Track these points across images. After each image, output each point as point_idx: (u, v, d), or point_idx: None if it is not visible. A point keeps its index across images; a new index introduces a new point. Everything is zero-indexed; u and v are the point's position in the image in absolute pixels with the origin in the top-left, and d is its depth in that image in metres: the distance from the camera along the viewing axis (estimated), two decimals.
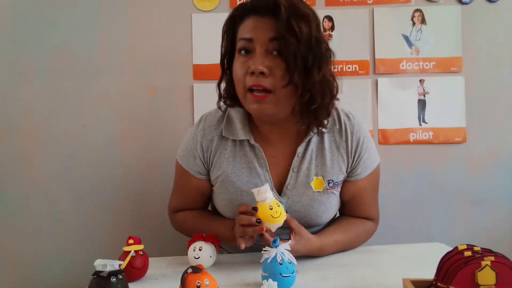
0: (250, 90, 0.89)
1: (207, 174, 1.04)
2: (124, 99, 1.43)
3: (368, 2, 1.44)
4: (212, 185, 1.05)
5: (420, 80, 1.45)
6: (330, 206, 1.01)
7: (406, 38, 1.45)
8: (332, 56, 0.92)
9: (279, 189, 0.99)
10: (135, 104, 1.43)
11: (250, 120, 1.01)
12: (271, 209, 0.83)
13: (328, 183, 0.98)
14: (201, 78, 1.43)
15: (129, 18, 1.42)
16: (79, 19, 1.41)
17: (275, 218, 0.83)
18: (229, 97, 0.99)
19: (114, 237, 1.40)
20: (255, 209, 0.85)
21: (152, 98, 1.43)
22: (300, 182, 0.98)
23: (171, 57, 1.42)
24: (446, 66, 1.45)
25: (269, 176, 0.99)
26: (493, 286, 0.57)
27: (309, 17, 0.88)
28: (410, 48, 1.45)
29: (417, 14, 1.44)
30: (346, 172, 1.00)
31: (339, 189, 1.01)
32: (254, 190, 0.84)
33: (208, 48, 1.42)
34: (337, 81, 0.94)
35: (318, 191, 0.98)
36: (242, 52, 0.90)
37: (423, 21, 1.44)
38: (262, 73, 0.86)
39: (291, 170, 0.98)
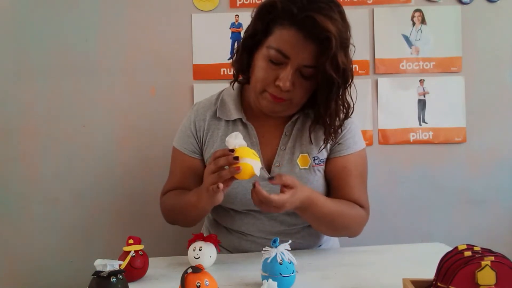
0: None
1: (200, 154, 1.06)
2: (124, 99, 1.43)
3: (368, 2, 1.44)
4: (205, 166, 1.03)
5: (420, 80, 1.45)
6: (318, 186, 1.01)
7: (406, 38, 1.45)
8: (353, 78, 0.95)
9: (268, 168, 1.01)
10: (135, 104, 1.43)
11: (242, 101, 1.05)
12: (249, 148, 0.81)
13: (314, 160, 1.01)
14: (201, 78, 1.43)
15: (129, 18, 1.42)
16: (79, 19, 1.41)
17: (256, 156, 0.81)
18: (242, 73, 1.02)
19: (114, 237, 1.41)
20: (232, 151, 0.81)
21: (152, 98, 1.43)
22: (287, 160, 1.01)
23: (171, 57, 1.42)
24: (446, 66, 1.45)
25: (260, 154, 1.00)
26: (493, 286, 0.57)
27: (348, 46, 0.91)
28: (410, 48, 1.45)
29: (417, 14, 1.44)
30: (329, 150, 1.03)
31: (324, 167, 1.03)
32: (229, 138, 0.82)
33: (208, 48, 1.42)
34: (353, 101, 0.98)
35: (305, 168, 1.00)
36: (272, 60, 0.90)
37: (423, 21, 1.44)
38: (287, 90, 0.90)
39: (279, 148, 1.02)
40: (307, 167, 1.01)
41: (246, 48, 0.97)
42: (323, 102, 0.93)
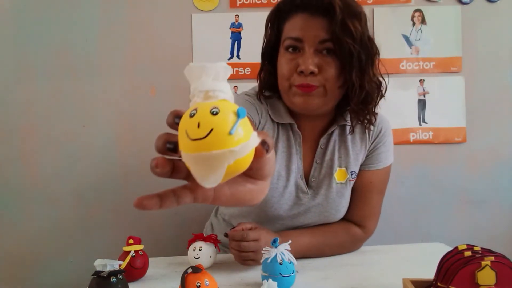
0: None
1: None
2: (124, 99, 1.43)
3: (368, 2, 1.44)
4: None
5: (420, 80, 1.45)
6: (347, 201, 0.99)
7: (406, 38, 1.45)
8: (379, 53, 0.91)
9: (306, 181, 0.98)
10: (135, 104, 1.43)
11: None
12: (191, 116, 0.34)
13: (351, 174, 0.98)
14: None
15: (129, 18, 1.42)
16: (79, 19, 1.41)
17: (192, 140, 0.33)
18: (269, 88, 0.97)
19: (114, 237, 1.40)
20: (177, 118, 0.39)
21: (152, 98, 1.43)
22: (323, 174, 0.97)
23: (171, 57, 1.42)
24: (446, 66, 1.45)
25: (302, 165, 0.97)
26: (493, 286, 0.57)
27: (361, 16, 0.87)
28: (410, 48, 1.45)
29: (417, 14, 1.44)
30: (362, 160, 1.00)
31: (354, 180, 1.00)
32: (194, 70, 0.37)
33: (208, 48, 1.42)
34: (384, 80, 0.92)
35: (341, 183, 0.97)
36: (290, 49, 0.88)
37: (423, 21, 1.44)
38: (311, 72, 0.85)
39: (314, 162, 0.98)
40: (343, 182, 0.97)
41: (266, 58, 0.95)
42: (349, 80, 0.86)
